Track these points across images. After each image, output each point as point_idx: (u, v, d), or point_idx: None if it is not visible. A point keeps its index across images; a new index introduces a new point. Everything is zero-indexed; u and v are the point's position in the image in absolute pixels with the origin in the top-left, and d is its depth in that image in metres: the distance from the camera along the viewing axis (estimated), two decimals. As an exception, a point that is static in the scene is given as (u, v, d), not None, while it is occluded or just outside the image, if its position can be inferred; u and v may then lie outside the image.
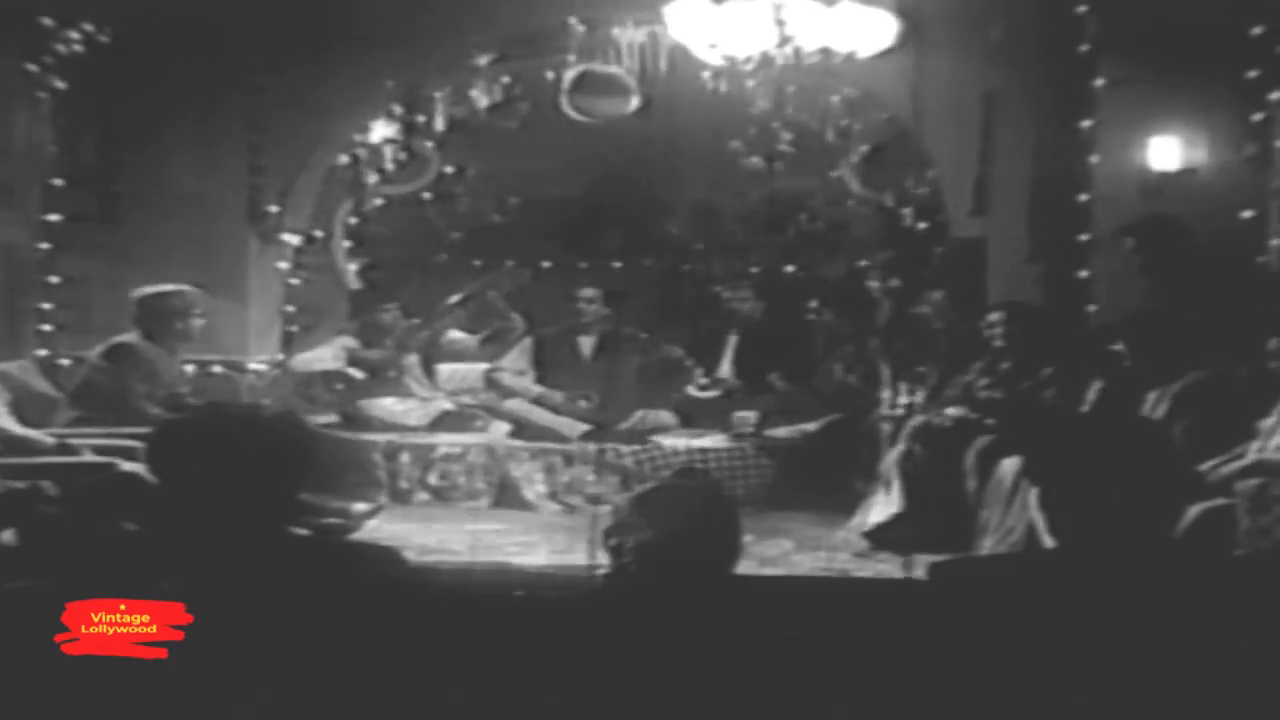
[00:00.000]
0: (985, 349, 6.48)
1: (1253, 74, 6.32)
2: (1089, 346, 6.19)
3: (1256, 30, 6.26)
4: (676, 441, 7.09)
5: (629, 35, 7.61)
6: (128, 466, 4.97)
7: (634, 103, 7.88)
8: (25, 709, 2.15)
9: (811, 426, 7.09)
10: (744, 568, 2.59)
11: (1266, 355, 5.10)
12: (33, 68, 7.05)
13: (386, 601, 2.31)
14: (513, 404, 7.44)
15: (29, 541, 4.27)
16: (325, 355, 7.67)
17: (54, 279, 7.33)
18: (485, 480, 7.04)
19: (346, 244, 8.51)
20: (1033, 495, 3.95)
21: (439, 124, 8.02)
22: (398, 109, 7.89)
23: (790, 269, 9.32)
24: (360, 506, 6.24)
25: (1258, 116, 6.42)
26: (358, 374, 7.60)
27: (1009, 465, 5.56)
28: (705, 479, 4.73)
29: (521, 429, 7.27)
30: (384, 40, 7.37)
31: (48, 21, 7.05)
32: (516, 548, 6.06)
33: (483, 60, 7.78)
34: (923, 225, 7.86)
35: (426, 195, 8.89)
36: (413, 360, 7.87)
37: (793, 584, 4.53)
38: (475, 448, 7.15)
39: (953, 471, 5.94)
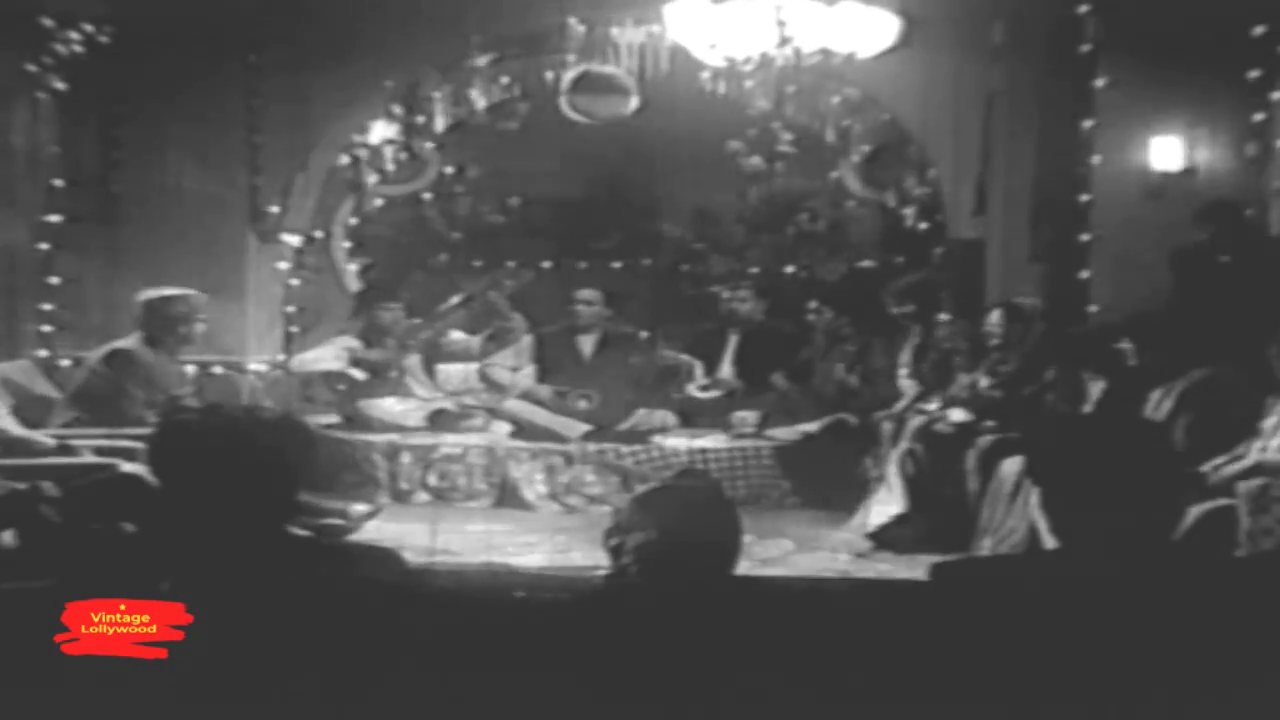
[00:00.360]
0: (986, 350, 6.48)
1: (1253, 74, 6.33)
2: (1091, 346, 6.18)
3: (1257, 30, 6.26)
4: (677, 442, 7.08)
5: (628, 35, 7.61)
6: (128, 467, 4.96)
7: (633, 103, 7.89)
8: (25, 709, 2.15)
9: (812, 426, 7.08)
10: (744, 568, 2.58)
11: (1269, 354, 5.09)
12: (33, 68, 7.05)
13: (386, 602, 2.31)
14: (513, 404, 7.43)
15: (29, 542, 4.26)
16: (326, 355, 7.65)
17: (54, 279, 7.33)
18: (486, 481, 7.03)
19: (346, 244, 8.52)
20: (1034, 496, 3.95)
21: (439, 124, 8.03)
22: (397, 109, 7.90)
23: (790, 269, 9.33)
24: (360, 507, 6.21)
25: (1258, 116, 6.43)
26: (359, 374, 7.59)
27: (1011, 466, 5.55)
28: (705, 479, 4.72)
29: (522, 429, 7.26)
30: (384, 40, 7.37)
31: (48, 21, 7.05)
32: (516, 548, 6.06)
33: (482, 60, 7.79)
34: (923, 226, 7.87)
35: (426, 196, 8.91)
36: (414, 361, 7.87)
37: (793, 584, 4.53)
38: (475, 448, 7.14)
39: (954, 472, 5.94)
